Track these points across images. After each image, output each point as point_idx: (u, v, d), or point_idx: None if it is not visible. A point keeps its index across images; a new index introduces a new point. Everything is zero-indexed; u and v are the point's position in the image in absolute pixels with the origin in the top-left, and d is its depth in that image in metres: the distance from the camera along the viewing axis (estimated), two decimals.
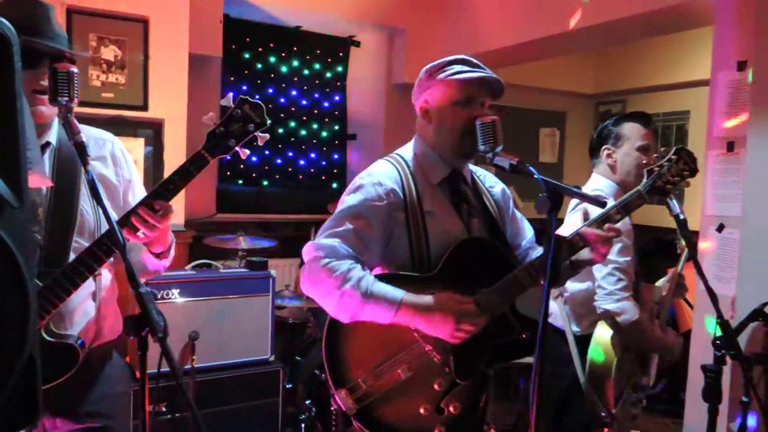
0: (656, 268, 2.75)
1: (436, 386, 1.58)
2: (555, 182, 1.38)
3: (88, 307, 1.64)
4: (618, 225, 1.98)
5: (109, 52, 3.39)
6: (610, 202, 1.73)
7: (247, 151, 1.58)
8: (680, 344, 2.25)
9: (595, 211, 1.67)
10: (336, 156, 5.51)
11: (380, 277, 1.61)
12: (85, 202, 1.61)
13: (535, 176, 1.42)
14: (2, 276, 0.87)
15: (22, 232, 0.91)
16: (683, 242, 2.48)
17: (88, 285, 1.61)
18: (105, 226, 1.50)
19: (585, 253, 1.62)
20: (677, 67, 5.26)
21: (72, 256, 1.51)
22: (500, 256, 1.66)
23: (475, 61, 1.68)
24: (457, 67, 1.65)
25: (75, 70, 1.39)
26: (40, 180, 1.44)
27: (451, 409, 1.58)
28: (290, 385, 3.50)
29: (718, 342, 1.87)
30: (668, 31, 4.04)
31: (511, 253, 1.73)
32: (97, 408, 1.64)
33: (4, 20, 0.89)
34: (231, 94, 1.57)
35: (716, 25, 2.89)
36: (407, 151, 1.77)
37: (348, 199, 1.65)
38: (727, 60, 2.82)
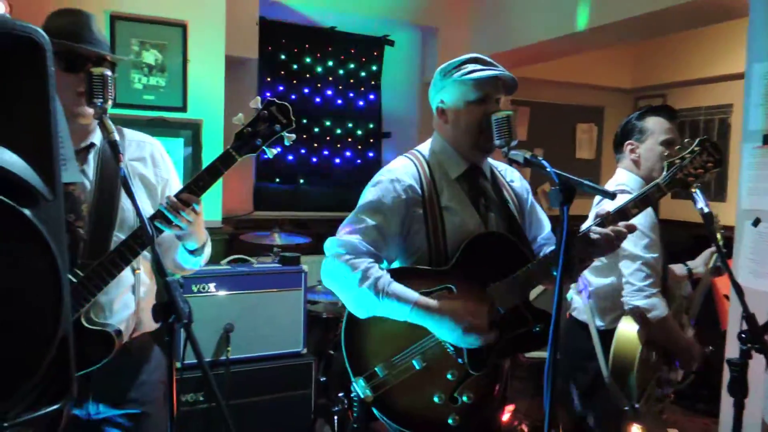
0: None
1: (450, 377, 1.62)
2: (567, 175, 1.41)
3: (128, 300, 1.74)
4: (642, 220, 1.99)
5: (150, 56, 3.53)
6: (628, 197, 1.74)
7: (275, 151, 1.66)
8: (700, 352, 2.21)
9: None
10: (371, 154, 5.58)
11: (397, 271, 1.66)
12: (126, 200, 1.70)
13: (548, 169, 1.44)
14: (38, 264, 0.96)
15: (56, 223, 1.00)
16: (718, 234, 2.45)
17: (128, 278, 1.73)
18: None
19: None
20: (719, 60, 5.13)
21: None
22: (515, 250, 1.68)
23: (487, 59, 1.72)
24: (470, 66, 1.69)
25: (109, 73, 1.49)
26: (73, 175, 1.55)
27: (465, 398, 1.62)
28: (324, 379, 3.58)
29: (743, 336, 1.85)
30: (704, 23, 3.95)
31: (527, 247, 1.75)
32: (137, 395, 1.74)
33: (37, 28, 0.97)
34: (259, 97, 1.66)
35: (750, 16, 2.82)
36: (426, 147, 1.82)
37: (368, 196, 1.71)
38: (762, 51, 2.75)
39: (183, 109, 3.68)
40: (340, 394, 3.42)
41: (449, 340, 1.60)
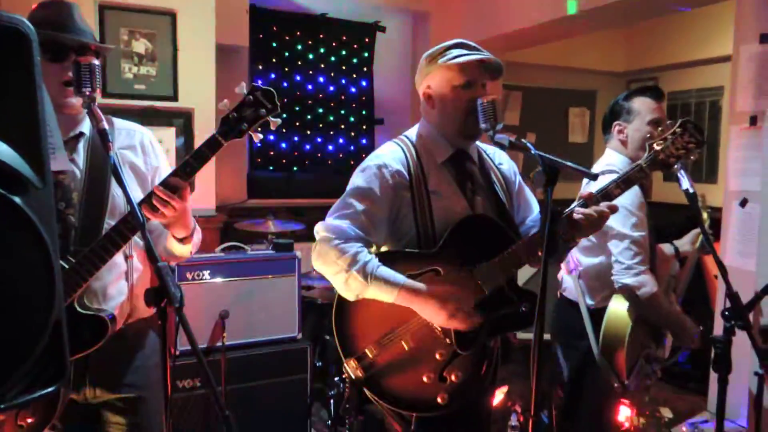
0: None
1: (438, 356, 1.66)
2: (551, 157, 1.43)
3: (122, 286, 1.76)
4: (630, 200, 2.02)
5: (139, 46, 3.53)
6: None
7: (260, 136, 1.67)
8: (698, 331, 2.25)
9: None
10: (364, 141, 5.59)
11: (386, 254, 1.69)
12: (116, 187, 1.71)
13: (532, 152, 1.47)
14: (30, 251, 0.98)
15: (46, 210, 1.01)
16: (705, 214, 2.49)
17: (121, 265, 1.75)
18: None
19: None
20: (709, 43, 5.15)
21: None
22: (501, 232, 1.71)
23: (472, 44, 1.73)
24: (455, 51, 1.71)
25: (97, 62, 1.50)
26: (62, 164, 1.56)
27: (453, 377, 1.65)
28: (319, 363, 3.62)
29: (726, 313, 1.89)
30: (694, 5, 3.96)
31: (513, 229, 1.78)
32: (133, 379, 1.77)
33: (23, 19, 0.99)
34: (244, 83, 1.66)
35: None
36: (414, 132, 1.84)
37: (356, 181, 1.74)
38: (749, 33, 2.77)
39: (174, 98, 3.68)
40: (336, 378, 3.46)
41: (435, 322, 1.63)
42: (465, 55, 1.69)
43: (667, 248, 2.41)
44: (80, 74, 1.47)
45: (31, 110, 1.00)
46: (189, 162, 1.61)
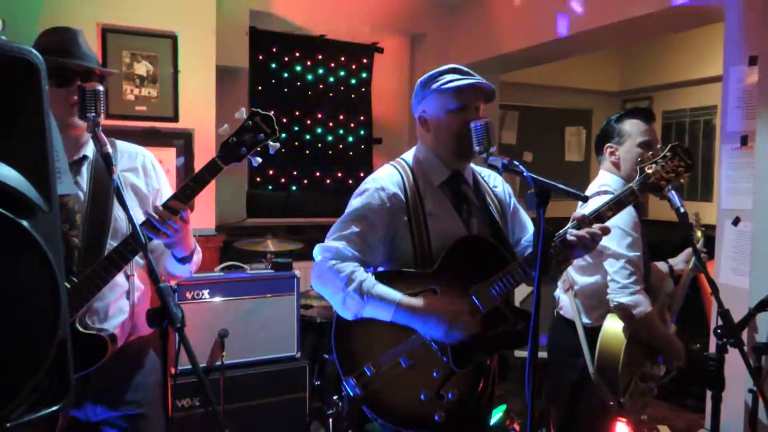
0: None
1: (435, 374, 1.68)
2: (542, 179, 1.47)
3: (123, 305, 1.80)
4: (624, 220, 2.06)
5: (141, 68, 3.59)
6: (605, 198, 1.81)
7: (259, 159, 1.72)
8: (681, 349, 2.28)
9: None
10: (362, 160, 5.64)
11: (384, 274, 1.72)
12: (119, 209, 1.75)
13: (524, 174, 1.51)
14: (36, 273, 1.01)
15: (52, 233, 1.05)
16: (699, 233, 2.53)
17: (122, 284, 1.79)
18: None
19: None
20: (703, 63, 5.23)
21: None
22: (496, 253, 1.75)
23: (465, 69, 1.79)
24: (449, 77, 1.76)
25: (101, 88, 1.55)
26: (68, 188, 1.60)
27: (450, 395, 1.68)
28: (318, 382, 3.63)
29: (719, 331, 1.92)
30: (683, 28, 4.04)
31: (507, 250, 1.81)
32: (134, 396, 1.80)
33: (32, 49, 1.03)
34: (244, 108, 1.72)
35: (726, 21, 2.91)
36: (410, 155, 1.88)
37: (354, 203, 1.77)
38: (738, 55, 2.83)
39: (175, 119, 3.74)
40: (335, 398, 3.47)
41: (435, 336, 1.65)
42: (458, 79, 1.74)
43: (661, 266, 2.45)
44: (85, 100, 1.51)
45: (39, 137, 1.04)
46: (189, 185, 1.66)
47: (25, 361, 1.01)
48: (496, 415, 3.73)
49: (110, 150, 1.53)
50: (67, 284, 1.57)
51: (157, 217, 1.61)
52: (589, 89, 6.16)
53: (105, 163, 1.50)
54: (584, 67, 5.89)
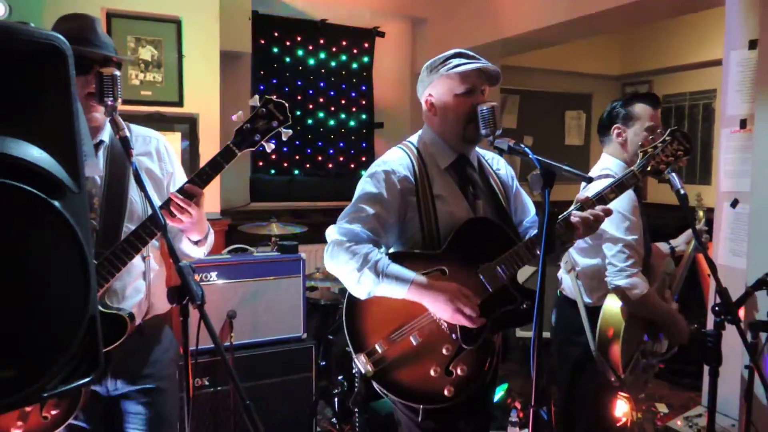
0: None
1: (444, 351, 1.74)
2: (548, 161, 1.52)
3: (139, 285, 1.85)
4: (623, 204, 2.11)
5: (146, 53, 3.61)
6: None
7: (273, 145, 1.78)
8: (688, 330, 2.34)
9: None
10: (364, 144, 5.68)
11: (395, 255, 1.77)
12: (134, 193, 1.81)
13: (530, 156, 1.56)
14: (67, 251, 1.05)
15: (81, 213, 1.09)
16: (701, 213, 2.58)
17: (139, 265, 1.84)
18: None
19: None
20: (703, 46, 5.25)
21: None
22: (502, 234, 1.80)
23: (470, 53, 1.82)
24: (455, 61, 1.79)
25: (118, 73, 1.59)
26: (93, 170, 1.65)
27: (459, 371, 1.74)
28: (324, 363, 3.70)
29: (716, 308, 1.98)
30: (685, 12, 4.06)
31: (512, 230, 1.86)
32: (151, 371, 1.87)
33: (59, 35, 1.06)
34: (257, 95, 1.76)
35: (726, 6, 2.94)
36: (417, 139, 1.92)
37: (365, 186, 1.82)
38: (738, 39, 2.87)
39: (179, 103, 3.77)
40: (340, 377, 3.54)
41: (442, 317, 1.71)
42: (465, 64, 1.77)
43: (663, 246, 2.50)
44: (103, 85, 1.55)
45: (67, 121, 1.08)
46: (205, 170, 1.71)
47: (58, 336, 1.05)
48: (498, 394, 3.81)
49: (128, 134, 1.57)
50: None
51: (176, 203, 1.66)
52: (590, 73, 6.18)
53: (123, 147, 1.55)
54: (585, 51, 5.90)
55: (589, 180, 1.56)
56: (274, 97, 1.74)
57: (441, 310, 1.69)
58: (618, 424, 3.37)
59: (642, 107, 2.36)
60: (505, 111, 5.96)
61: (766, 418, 2.31)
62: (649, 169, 1.85)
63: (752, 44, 2.80)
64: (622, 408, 3.35)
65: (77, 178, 1.08)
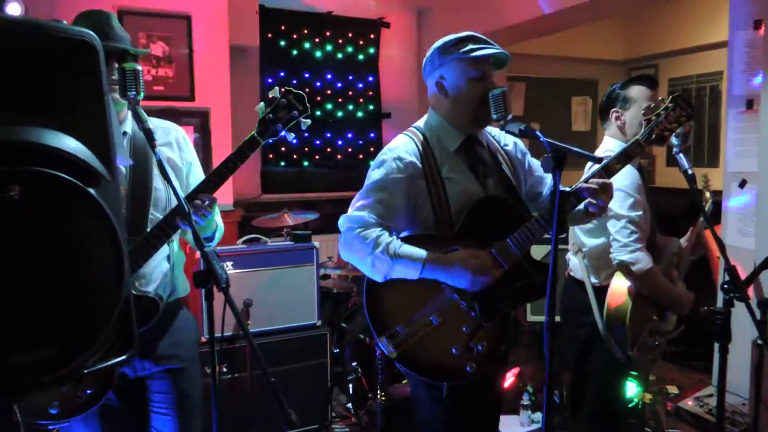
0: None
1: (464, 329, 1.79)
2: (558, 143, 1.56)
3: (164, 268, 1.93)
4: (627, 182, 2.15)
5: (157, 48, 3.67)
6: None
7: (293, 135, 1.85)
8: (692, 299, 2.38)
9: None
10: (372, 135, 5.72)
11: (407, 239, 1.82)
12: (158, 181, 1.88)
13: (541, 139, 1.60)
14: (102, 236, 1.11)
15: (114, 200, 1.15)
16: (707, 194, 2.61)
17: (164, 250, 1.91)
18: (174, 201, 1.79)
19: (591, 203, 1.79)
20: (708, 29, 5.25)
21: (149, 226, 1.80)
22: (514, 211, 1.84)
23: (482, 36, 1.85)
24: (469, 45, 1.82)
25: (140, 67, 1.64)
26: (123, 160, 1.71)
27: (480, 347, 1.79)
28: (337, 350, 3.77)
29: (725, 286, 2.02)
30: None
31: (523, 206, 1.90)
32: (175, 352, 1.94)
33: (91, 32, 1.12)
34: (277, 87, 1.83)
35: None
36: (423, 124, 1.96)
37: (373, 174, 1.86)
38: (743, 19, 2.89)
39: (191, 98, 3.82)
40: (354, 364, 3.61)
41: (462, 285, 1.75)
42: (479, 49, 1.81)
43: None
44: (125, 79, 1.61)
45: (100, 113, 1.13)
46: (231, 160, 1.80)
47: (95, 317, 1.11)
48: (510, 379, 3.87)
49: (151, 126, 1.63)
50: None
51: (197, 205, 1.75)
52: (595, 59, 6.19)
53: (147, 138, 1.61)
54: (590, 36, 5.91)
55: (599, 161, 1.60)
56: (293, 89, 1.82)
57: (460, 278, 1.73)
58: (629, 406, 3.42)
59: (638, 89, 2.39)
60: (511, 98, 5.99)
61: None
62: (653, 137, 1.86)
63: (757, 24, 2.82)
64: (632, 389, 3.41)
65: (110, 167, 1.14)
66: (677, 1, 5.05)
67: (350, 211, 1.85)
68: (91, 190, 1.09)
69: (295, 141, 5.39)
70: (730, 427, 2.97)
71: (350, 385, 3.59)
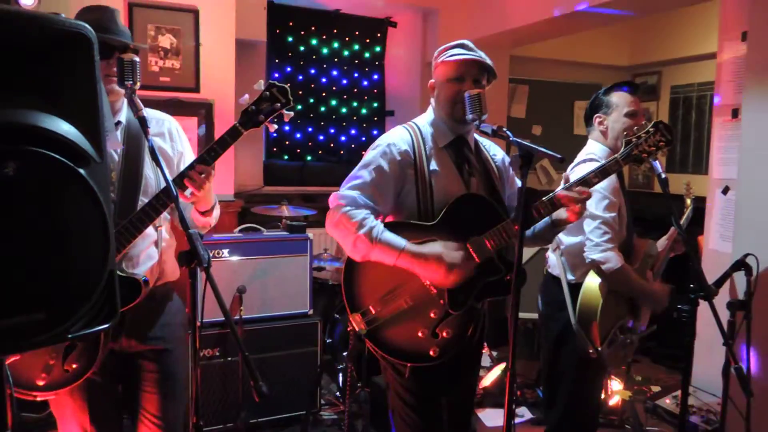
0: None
1: (432, 315, 1.89)
2: (525, 143, 1.66)
3: (152, 252, 2.03)
4: (604, 184, 2.24)
5: (165, 41, 3.78)
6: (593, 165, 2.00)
7: (275, 126, 1.94)
8: (668, 292, 2.46)
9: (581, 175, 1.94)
10: (375, 132, 5.82)
11: (391, 224, 1.93)
12: (149, 169, 1.99)
13: (510, 138, 1.70)
14: (90, 213, 1.21)
15: (103, 180, 1.25)
16: (689, 201, 2.70)
17: (152, 235, 2.01)
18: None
19: (562, 213, 1.89)
20: (711, 38, 5.25)
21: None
22: (492, 210, 1.95)
23: (471, 45, 1.98)
24: (455, 51, 1.97)
25: (137, 58, 1.75)
26: (113, 144, 1.82)
27: (444, 334, 1.89)
28: (329, 340, 3.87)
29: (692, 286, 2.11)
30: (693, 2, 4.12)
31: (502, 208, 2.00)
32: (161, 334, 2.04)
33: (86, 24, 1.22)
34: (262, 80, 1.94)
35: None
36: (421, 119, 2.09)
37: (367, 157, 1.99)
38: (731, 31, 2.95)
39: (196, 89, 3.94)
40: (345, 353, 3.71)
41: (434, 280, 1.85)
42: (460, 54, 1.93)
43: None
44: (123, 69, 1.72)
45: (92, 99, 1.23)
46: (213, 148, 1.89)
47: (82, 286, 1.21)
48: (495, 375, 3.96)
49: (145, 114, 1.74)
50: None
51: (191, 176, 1.85)
52: (599, 63, 6.23)
53: (141, 125, 1.71)
54: (594, 41, 5.95)
55: (561, 160, 1.69)
56: (277, 83, 1.91)
57: (432, 273, 1.83)
58: (610, 403, 3.50)
59: (619, 95, 2.49)
60: (514, 101, 6.05)
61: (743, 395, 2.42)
62: (631, 156, 1.96)
63: (745, 36, 2.89)
64: (613, 388, 3.49)
65: (100, 150, 1.24)
66: (682, 9, 5.09)
67: (342, 189, 1.96)
68: (82, 171, 1.19)
69: (299, 135, 5.48)
70: (704, 425, 3.04)
71: (340, 375, 3.69)
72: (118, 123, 1.97)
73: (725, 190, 3.04)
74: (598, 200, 2.30)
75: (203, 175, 1.87)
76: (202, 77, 3.94)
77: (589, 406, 2.53)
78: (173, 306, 2.11)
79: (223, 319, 3.20)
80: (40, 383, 1.83)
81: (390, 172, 1.93)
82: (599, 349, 2.30)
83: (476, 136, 2.13)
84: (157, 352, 2.02)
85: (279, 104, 1.89)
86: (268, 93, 1.89)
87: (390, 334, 1.90)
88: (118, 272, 1.87)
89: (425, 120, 2.08)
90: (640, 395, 3.67)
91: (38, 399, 1.87)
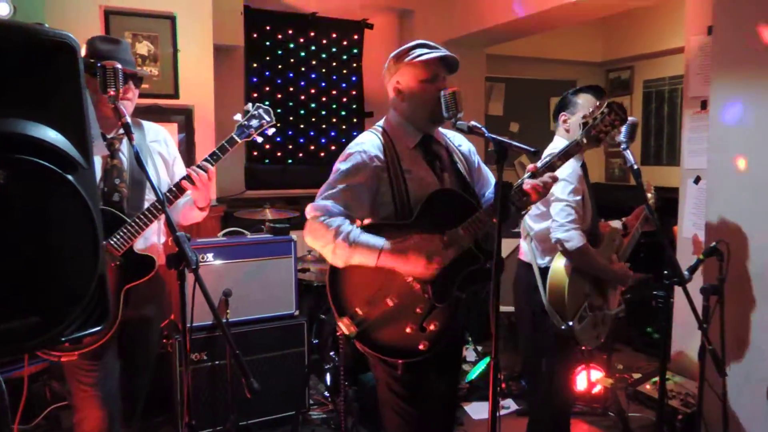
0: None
1: (418, 310, 1.94)
2: (500, 138, 1.72)
3: (155, 239, 2.36)
4: (569, 172, 2.36)
5: (143, 47, 3.79)
6: None
7: (261, 138, 2.42)
8: (630, 274, 2.63)
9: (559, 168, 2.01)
10: (355, 133, 5.83)
11: (369, 227, 1.97)
12: (151, 169, 2.25)
13: (486, 135, 1.76)
14: (80, 219, 1.24)
15: (90, 186, 1.28)
16: (649, 196, 2.83)
17: (157, 228, 2.36)
18: (164, 185, 2.29)
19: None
20: (681, 33, 5.39)
21: (146, 204, 2.21)
22: (466, 202, 2.00)
23: (431, 43, 2.02)
24: (419, 51, 1.99)
25: (119, 66, 1.79)
26: (100, 150, 1.86)
27: (432, 327, 1.94)
28: (316, 341, 3.91)
29: (666, 273, 2.20)
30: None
31: (475, 199, 2.06)
32: (151, 307, 2.36)
33: (69, 34, 1.25)
34: (250, 103, 2.36)
35: None
36: (383, 122, 2.14)
37: (340, 166, 2.02)
38: (698, 25, 3.05)
39: (175, 96, 3.95)
40: (332, 353, 3.74)
41: (416, 272, 1.89)
42: (427, 53, 1.97)
43: (615, 223, 2.73)
44: (105, 77, 1.75)
45: (77, 107, 1.26)
46: (216, 153, 2.28)
47: (73, 291, 1.24)
48: (480, 368, 4.02)
49: (129, 120, 1.78)
50: (127, 219, 2.14)
51: (194, 174, 2.20)
52: (574, 60, 6.35)
53: (125, 131, 1.76)
54: (568, 38, 6.07)
55: (535, 153, 1.75)
56: (263, 105, 2.40)
57: (414, 266, 1.87)
58: (593, 392, 3.59)
59: (585, 97, 2.60)
60: (491, 99, 6.14)
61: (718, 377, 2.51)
62: (590, 137, 2.04)
63: (710, 30, 2.98)
64: (595, 376, 3.58)
65: (87, 156, 1.27)
66: (654, 5, 5.21)
67: (317, 200, 2.00)
68: (70, 177, 1.22)
69: (279, 139, 5.51)
70: (683, 409, 3.14)
71: (327, 374, 3.73)
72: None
73: (697, 180, 3.13)
74: (564, 186, 2.43)
75: (207, 174, 2.23)
76: (181, 83, 3.95)
77: (567, 388, 2.64)
78: (166, 287, 2.48)
79: (211, 322, 3.25)
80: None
81: (363, 179, 1.97)
82: (570, 324, 2.40)
83: (440, 128, 2.17)
84: (142, 319, 2.32)
85: (264, 121, 2.38)
86: (256, 113, 2.38)
87: (379, 333, 1.94)
88: (136, 251, 2.17)
89: (389, 122, 2.11)
90: (621, 383, 3.76)
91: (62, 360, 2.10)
